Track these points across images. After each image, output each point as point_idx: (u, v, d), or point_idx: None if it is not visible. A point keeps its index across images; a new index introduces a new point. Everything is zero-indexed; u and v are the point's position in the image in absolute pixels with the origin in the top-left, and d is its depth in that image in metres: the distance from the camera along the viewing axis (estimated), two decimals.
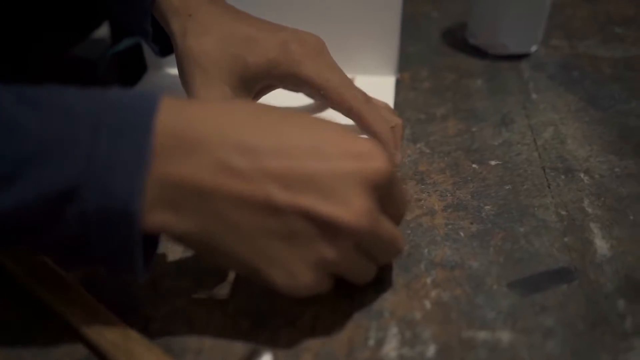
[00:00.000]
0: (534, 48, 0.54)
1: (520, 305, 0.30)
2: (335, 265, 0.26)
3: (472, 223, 0.35)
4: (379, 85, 0.49)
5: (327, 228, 0.24)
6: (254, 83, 0.36)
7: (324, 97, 0.36)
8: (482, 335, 0.28)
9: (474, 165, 0.40)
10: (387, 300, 0.30)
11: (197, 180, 0.23)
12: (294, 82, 0.36)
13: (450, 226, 0.35)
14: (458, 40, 0.58)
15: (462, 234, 0.35)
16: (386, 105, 0.41)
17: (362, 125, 0.36)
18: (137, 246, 0.23)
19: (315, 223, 0.24)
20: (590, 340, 0.28)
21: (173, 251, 0.33)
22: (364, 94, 0.37)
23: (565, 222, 0.35)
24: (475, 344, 0.28)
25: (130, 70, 0.52)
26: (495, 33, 0.53)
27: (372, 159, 0.25)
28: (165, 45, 0.40)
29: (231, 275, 0.32)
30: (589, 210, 0.36)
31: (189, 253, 0.33)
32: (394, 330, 0.29)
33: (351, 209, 0.24)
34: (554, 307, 0.30)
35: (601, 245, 0.33)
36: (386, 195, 0.26)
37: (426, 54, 0.56)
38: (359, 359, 0.28)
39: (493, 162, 0.40)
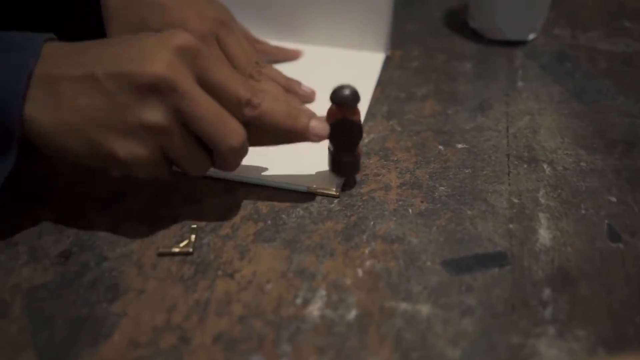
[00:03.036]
0: (531, 36, 0.53)
1: (448, 283, 0.31)
2: (164, 135, 0.30)
3: (422, 202, 0.36)
4: (366, 61, 0.50)
5: (141, 84, 0.28)
6: None
7: None
8: (403, 306, 0.30)
9: (440, 147, 0.41)
10: (324, 265, 0.32)
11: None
12: None
13: (401, 202, 0.36)
14: (458, 22, 0.57)
15: (410, 211, 0.36)
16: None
17: None
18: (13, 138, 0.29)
19: (130, 84, 0.28)
20: (506, 322, 0.29)
21: (136, 199, 0.36)
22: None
23: (514, 210, 0.36)
24: (394, 313, 0.30)
25: None
26: (491, 17, 0.52)
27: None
28: None
29: (186, 227, 0.34)
30: (542, 200, 0.36)
31: (150, 202, 0.36)
32: (322, 292, 0.31)
33: (155, 62, 0.29)
34: (480, 288, 0.31)
35: (544, 235, 0.34)
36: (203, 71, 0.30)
37: (423, 34, 0.55)
38: (283, 314, 0.30)
39: (460, 145, 0.41)
